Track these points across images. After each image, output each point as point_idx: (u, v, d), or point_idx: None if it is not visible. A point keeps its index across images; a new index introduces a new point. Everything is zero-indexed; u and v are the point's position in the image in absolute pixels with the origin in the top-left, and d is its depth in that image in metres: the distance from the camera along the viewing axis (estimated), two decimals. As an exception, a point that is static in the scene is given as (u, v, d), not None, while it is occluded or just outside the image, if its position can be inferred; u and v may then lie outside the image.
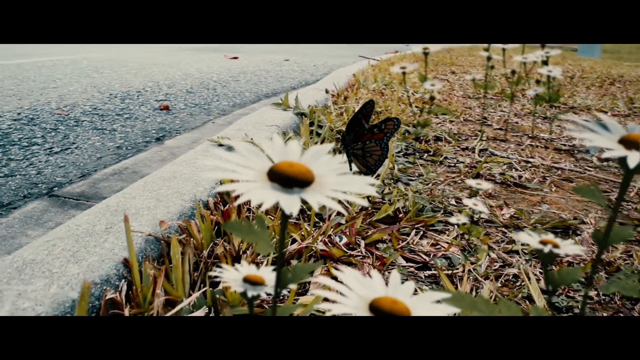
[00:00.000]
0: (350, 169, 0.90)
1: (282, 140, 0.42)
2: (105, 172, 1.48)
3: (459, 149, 1.60)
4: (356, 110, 0.88)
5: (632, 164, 0.40)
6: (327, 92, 2.14)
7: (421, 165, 1.36)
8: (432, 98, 1.73)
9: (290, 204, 0.34)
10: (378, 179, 1.03)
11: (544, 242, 0.63)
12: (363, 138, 0.84)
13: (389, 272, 0.74)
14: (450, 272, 0.78)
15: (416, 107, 2.10)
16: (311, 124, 1.56)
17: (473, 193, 0.93)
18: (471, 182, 0.92)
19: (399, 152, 1.47)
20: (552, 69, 1.74)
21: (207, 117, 2.36)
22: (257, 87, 3.34)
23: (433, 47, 8.20)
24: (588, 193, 0.54)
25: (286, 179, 0.36)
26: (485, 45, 2.11)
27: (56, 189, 1.34)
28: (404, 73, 1.76)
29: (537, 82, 2.24)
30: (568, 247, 0.61)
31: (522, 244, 0.89)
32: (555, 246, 0.61)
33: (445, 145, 1.62)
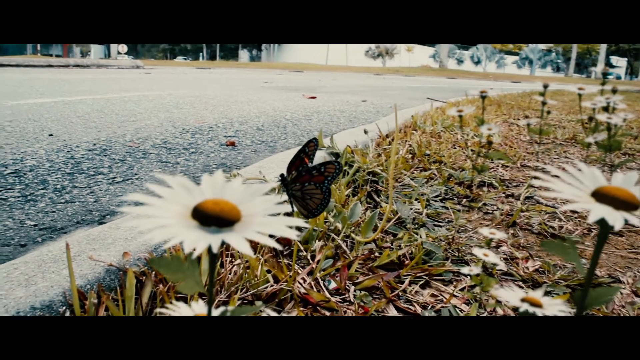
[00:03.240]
0: (292, 210, 0.89)
1: (222, 176, 0.43)
2: (157, 202, 1.57)
3: (502, 195, 1.54)
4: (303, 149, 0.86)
5: (592, 218, 0.37)
6: (365, 132, 2.16)
7: (453, 211, 1.33)
8: (489, 142, 1.69)
9: (195, 243, 0.35)
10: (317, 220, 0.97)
11: (524, 300, 0.59)
12: (301, 179, 0.82)
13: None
14: (441, 323, 0.75)
15: (472, 150, 2.06)
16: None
17: (486, 242, 0.90)
18: (484, 231, 0.89)
19: (436, 196, 1.45)
20: (612, 115, 1.66)
21: (269, 155, 2.43)
22: (328, 127, 3.40)
23: (511, 91, 7.96)
24: (557, 248, 0.50)
25: (206, 216, 0.37)
26: (544, 89, 2.05)
27: (108, 217, 1.43)
28: (460, 116, 1.74)
29: (609, 129, 2.13)
30: (553, 308, 0.57)
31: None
32: (537, 305, 0.57)
33: (489, 191, 1.57)
